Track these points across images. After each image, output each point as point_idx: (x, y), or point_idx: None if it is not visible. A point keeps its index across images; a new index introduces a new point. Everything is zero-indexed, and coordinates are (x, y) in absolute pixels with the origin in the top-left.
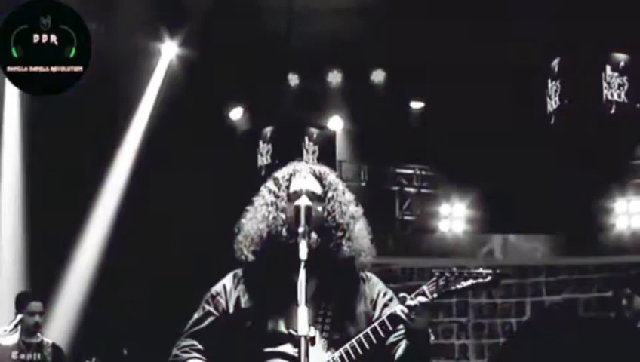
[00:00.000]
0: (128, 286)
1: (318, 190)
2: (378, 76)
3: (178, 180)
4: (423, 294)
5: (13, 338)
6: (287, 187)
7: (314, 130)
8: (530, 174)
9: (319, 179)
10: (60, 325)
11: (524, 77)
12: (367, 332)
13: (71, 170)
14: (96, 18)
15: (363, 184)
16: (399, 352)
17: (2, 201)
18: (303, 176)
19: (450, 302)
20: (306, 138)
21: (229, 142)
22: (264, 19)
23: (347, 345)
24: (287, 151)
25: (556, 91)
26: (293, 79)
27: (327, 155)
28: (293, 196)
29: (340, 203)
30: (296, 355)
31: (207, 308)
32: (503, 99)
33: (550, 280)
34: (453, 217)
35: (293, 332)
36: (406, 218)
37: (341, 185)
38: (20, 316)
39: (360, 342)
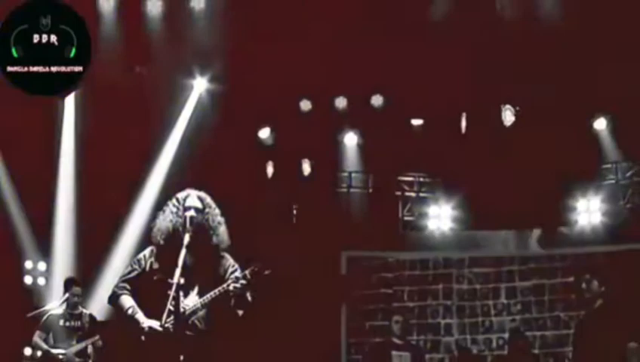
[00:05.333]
0: None
1: (200, 206)
2: (377, 100)
3: (206, 185)
4: (245, 278)
5: (60, 310)
6: (183, 204)
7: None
8: (504, 179)
9: (201, 200)
10: (99, 300)
11: None
12: (215, 291)
13: (116, 175)
14: (140, 61)
15: (370, 190)
16: (232, 301)
17: (59, 201)
18: (192, 197)
19: (437, 288)
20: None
21: (252, 159)
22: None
23: (206, 296)
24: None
25: None
26: (307, 104)
27: (322, 170)
28: (186, 209)
29: (212, 215)
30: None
31: (134, 266)
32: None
33: (522, 268)
34: (441, 217)
35: (170, 281)
36: (407, 218)
37: (213, 204)
38: (67, 295)
39: (212, 296)
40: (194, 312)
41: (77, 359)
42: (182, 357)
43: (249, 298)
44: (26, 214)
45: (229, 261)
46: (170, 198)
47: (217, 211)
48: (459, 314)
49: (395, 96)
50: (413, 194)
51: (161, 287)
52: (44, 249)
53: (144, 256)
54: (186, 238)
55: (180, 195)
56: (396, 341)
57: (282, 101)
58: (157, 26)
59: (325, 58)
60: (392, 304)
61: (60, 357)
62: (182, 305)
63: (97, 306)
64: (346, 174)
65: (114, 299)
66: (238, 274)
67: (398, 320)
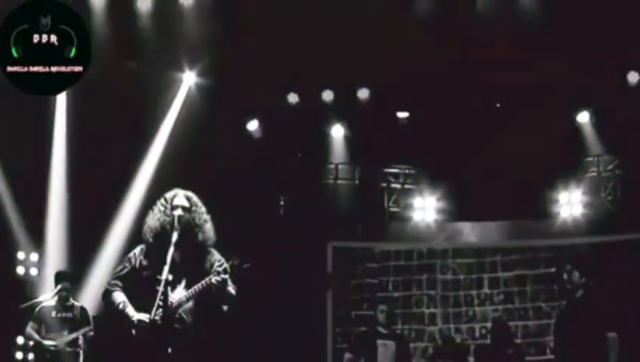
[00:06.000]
0: None
1: (187, 205)
2: (363, 93)
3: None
4: (225, 271)
5: (53, 301)
6: (171, 203)
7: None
8: (488, 172)
9: (188, 199)
10: (90, 292)
11: None
12: (199, 285)
13: (107, 168)
14: (131, 56)
15: (357, 182)
16: (216, 295)
17: (51, 194)
18: (179, 197)
19: (422, 279)
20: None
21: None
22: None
23: (191, 289)
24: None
25: None
26: (294, 97)
27: (311, 161)
28: (174, 208)
29: (199, 213)
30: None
31: (125, 263)
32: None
33: (505, 259)
34: (426, 208)
35: (159, 277)
36: (392, 210)
37: (200, 203)
38: (59, 286)
39: (197, 289)
40: (180, 305)
41: (68, 349)
42: (170, 350)
43: (232, 291)
44: (19, 206)
45: (215, 256)
46: (158, 197)
47: (203, 209)
48: (443, 303)
49: (380, 89)
50: (398, 186)
51: (151, 283)
52: (37, 240)
53: (134, 253)
54: (174, 236)
55: (168, 195)
56: (381, 330)
57: (270, 94)
58: (146, 21)
59: (312, 51)
60: (377, 294)
61: (52, 348)
62: (170, 299)
63: (89, 297)
64: (332, 166)
65: (106, 295)
66: (220, 269)
67: (383, 309)
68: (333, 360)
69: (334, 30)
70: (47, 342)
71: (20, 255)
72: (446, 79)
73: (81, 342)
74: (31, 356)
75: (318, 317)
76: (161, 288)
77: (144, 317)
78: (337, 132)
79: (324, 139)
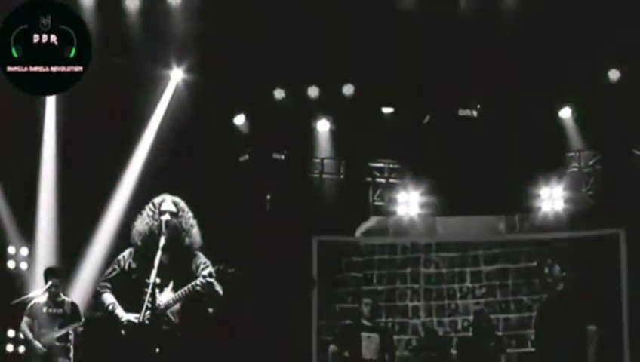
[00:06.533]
0: None
1: (174, 210)
2: (349, 89)
3: (180, 169)
4: (211, 276)
5: (44, 298)
6: (159, 208)
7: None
8: (470, 167)
9: (175, 204)
10: (80, 288)
11: None
12: (188, 287)
13: (95, 169)
14: (119, 54)
15: (342, 176)
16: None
17: (42, 189)
18: (167, 202)
19: (405, 272)
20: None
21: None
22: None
23: (179, 292)
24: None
25: None
26: (280, 93)
27: (297, 156)
28: (161, 213)
29: (186, 218)
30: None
31: (114, 266)
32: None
33: (487, 253)
34: (409, 203)
35: (146, 280)
36: (377, 204)
37: (187, 208)
38: (49, 283)
39: (183, 292)
40: (167, 307)
41: (58, 344)
42: (157, 350)
43: (219, 291)
44: (9, 200)
45: (201, 259)
46: (147, 202)
47: (190, 214)
48: (426, 297)
49: (365, 85)
50: (383, 181)
51: (139, 285)
52: (27, 235)
53: (123, 256)
54: (162, 240)
55: (156, 200)
56: (365, 323)
57: (257, 90)
58: (135, 19)
59: (298, 48)
60: (362, 287)
61: (42, 347)
62: (157, 301)
63: (79, 292)
64: (318, 160)
65: (96, 296)
66: (205, 272)
67: (367, 302)
68: (318, 353)
69: (320, 26)
70: (36, 344)
71: (11, 249)
72: (430, 75)
73: (71, 337)
74: (22, 349)
75: (303, 310)
76: (149, 290)
77: (133, 317)
78: (323, 127)
79: (310, 134)
